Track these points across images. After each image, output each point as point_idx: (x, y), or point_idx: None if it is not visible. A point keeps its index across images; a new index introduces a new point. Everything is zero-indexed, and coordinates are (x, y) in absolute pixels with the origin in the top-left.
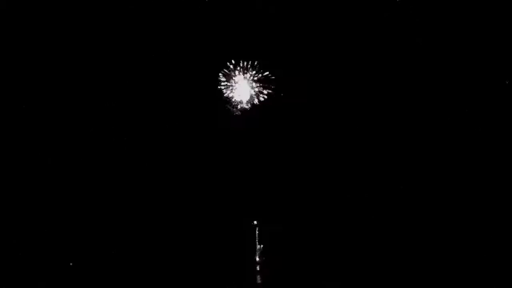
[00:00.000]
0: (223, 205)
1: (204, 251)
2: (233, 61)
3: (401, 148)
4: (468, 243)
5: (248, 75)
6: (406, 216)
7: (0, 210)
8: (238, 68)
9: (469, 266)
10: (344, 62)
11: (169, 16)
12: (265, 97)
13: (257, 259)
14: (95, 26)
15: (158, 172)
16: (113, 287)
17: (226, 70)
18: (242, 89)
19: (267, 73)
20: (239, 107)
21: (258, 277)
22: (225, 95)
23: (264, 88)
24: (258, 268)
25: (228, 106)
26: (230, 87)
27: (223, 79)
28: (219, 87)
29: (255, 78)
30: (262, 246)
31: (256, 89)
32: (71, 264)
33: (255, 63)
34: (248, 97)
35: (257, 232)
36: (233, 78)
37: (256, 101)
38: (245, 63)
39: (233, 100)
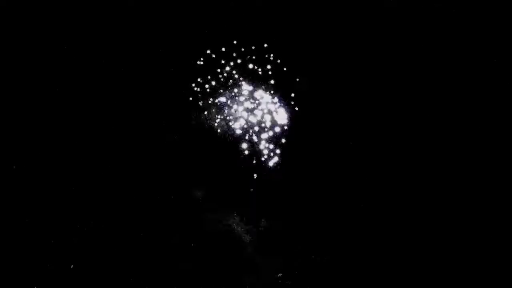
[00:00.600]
0: (223, 205)
1: (204, 251)
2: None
3: (401, 148)
4: (468, 243)
5: None
6: (406, 216)
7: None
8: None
9: (469, 266)
10: (344, 62)
11: (169, 16)
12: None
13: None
14: (95, 26)
15: (157, 172)
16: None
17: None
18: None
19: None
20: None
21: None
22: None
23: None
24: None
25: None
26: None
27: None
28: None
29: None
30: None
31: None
32: (71, 266)
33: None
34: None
35: (255, 230)
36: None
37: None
38: None
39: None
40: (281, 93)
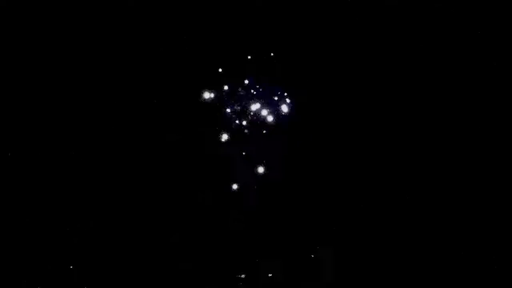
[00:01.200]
0: (223, 205)
1: (204, 251)
2: None
3: (401, 148)
4: (468, 243)
5: None
6: (406, 216)
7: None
8: None
9: (469, 266)
10: (344, 62)
11: (169, 16)
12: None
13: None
14: (95, 26)
15: (157, 172)
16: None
17: None
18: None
19: None
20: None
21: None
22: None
23: None
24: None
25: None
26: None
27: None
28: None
29: None
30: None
31: None
32: (71, 266)
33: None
34: None
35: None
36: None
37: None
38: None
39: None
40: (281, 93)
